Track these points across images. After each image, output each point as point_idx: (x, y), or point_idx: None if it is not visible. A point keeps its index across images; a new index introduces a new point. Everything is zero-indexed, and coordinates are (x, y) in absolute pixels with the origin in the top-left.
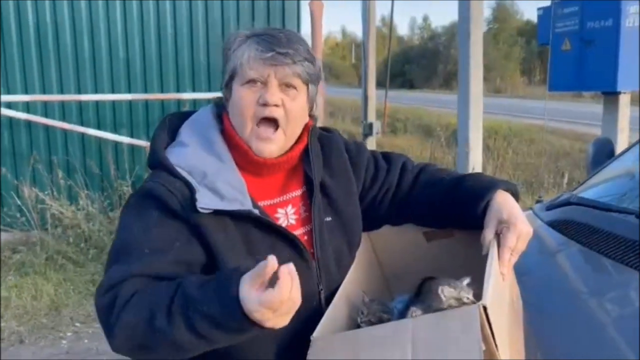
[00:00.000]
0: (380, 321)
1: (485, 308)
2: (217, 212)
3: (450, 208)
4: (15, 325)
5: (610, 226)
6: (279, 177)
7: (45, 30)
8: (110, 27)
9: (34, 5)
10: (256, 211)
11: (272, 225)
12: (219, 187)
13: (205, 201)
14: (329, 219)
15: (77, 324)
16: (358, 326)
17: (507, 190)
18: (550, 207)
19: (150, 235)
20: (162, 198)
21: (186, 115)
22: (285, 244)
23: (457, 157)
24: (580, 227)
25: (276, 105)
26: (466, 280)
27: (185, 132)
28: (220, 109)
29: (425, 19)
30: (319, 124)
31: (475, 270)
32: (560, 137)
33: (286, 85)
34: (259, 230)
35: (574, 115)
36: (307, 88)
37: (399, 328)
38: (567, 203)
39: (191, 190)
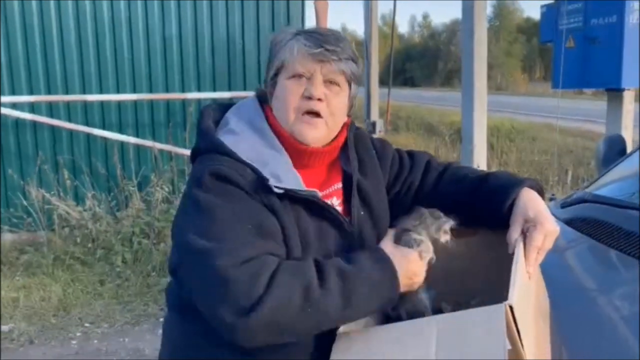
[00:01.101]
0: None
1: (511, 308)
2: (280, 195)
3: (475, 205)
4: (25, 326)
5: (628, 223)
6: (322, 171)
7: (50, 31)
8: (115, 28)
9: (38, 6)
10: (319, 195)
11: (332, 211)
12: (281, 174)
13: (275, 183)
14: (362, 213)
15: (86, 324)
16: (385, 321)
17: (532, 187)
18: (564, 205)
19: (245, 213)
20: (235, 180)
21: (226, 107)
22: (335, 231)
23: (462, 155)
24: (597, 224)
25: (319, 100)
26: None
27: (233, 120)
28: (263, 101)
29: (425, 16)
30: None
31: (501, 269)
32: (563, 134)
33: (330, 82)
34: (310, 216)
35: (575, 113)
36: (350, 87)
37: (424, 326)
38: (582, 200)
39: (257, 173)
